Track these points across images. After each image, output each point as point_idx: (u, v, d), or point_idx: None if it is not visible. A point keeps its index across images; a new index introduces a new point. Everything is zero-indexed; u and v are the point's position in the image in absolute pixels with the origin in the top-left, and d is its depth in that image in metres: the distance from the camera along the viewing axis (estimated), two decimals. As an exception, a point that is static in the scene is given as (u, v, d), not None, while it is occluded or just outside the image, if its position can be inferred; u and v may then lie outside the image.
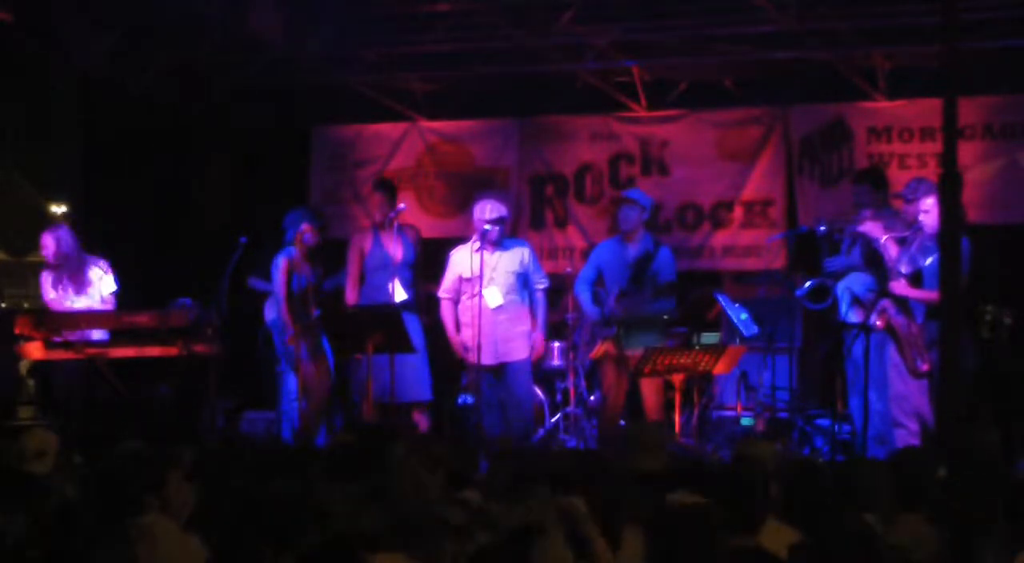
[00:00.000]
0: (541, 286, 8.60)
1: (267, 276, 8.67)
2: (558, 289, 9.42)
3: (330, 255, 9.01)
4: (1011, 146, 9.54)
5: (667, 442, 6.05)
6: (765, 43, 9.36)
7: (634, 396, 8.55)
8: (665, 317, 8.63)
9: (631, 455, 5.31)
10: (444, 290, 8.63)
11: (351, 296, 8.63)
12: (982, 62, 8.86)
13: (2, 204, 10.07)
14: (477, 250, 8.45)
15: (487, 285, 8.40)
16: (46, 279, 8.58)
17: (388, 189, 8.92)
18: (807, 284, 8.27)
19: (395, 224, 8.61)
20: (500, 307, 8.41)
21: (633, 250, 8.49)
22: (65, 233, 8.64)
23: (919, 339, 7.52)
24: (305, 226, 8.48)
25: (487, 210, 8.47)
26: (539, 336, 8.55)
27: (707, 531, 3.52)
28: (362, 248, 8.65)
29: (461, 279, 8.52)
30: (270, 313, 8.95)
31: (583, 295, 8.59)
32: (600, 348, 8.43)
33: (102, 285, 8.60)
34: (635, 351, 8.24)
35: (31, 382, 8.58)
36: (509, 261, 8.50)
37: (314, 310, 8.42)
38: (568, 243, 10.69)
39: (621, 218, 8.60)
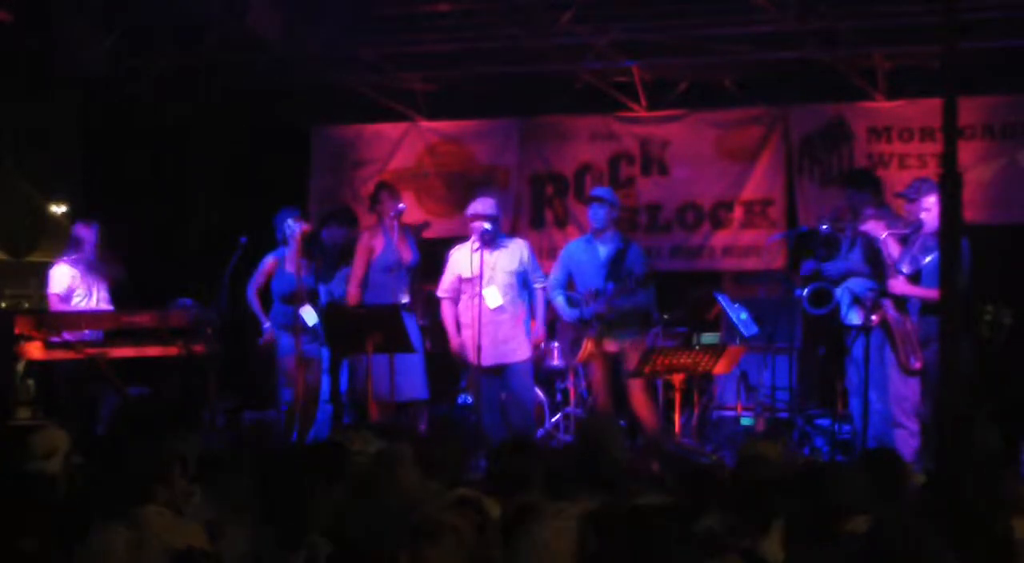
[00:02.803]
0: (540, 285, 8.60)
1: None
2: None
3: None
4: (1011, 146, 9.54)
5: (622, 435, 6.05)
6: (765, 43, 9.36)
7: (624, 393, 8.58)
8: (647, 312, 8.65)
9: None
10: (443, 290, 8.64)
11: (354, 293, 8.61)
12: (982, 62, 8.86)
13: (2, 204, 10.07)
14: (476, 250, 8.45)
15: (486, 285, 8.40)
16: (64, 273, 8.47)
17: (392, 189, 8.95)
18: (806, 289, 8.28)
19: (396, 225, 8.60)
20: (500, 307, 8.42)
21: (605, 249, 8.50)
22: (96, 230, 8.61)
23: (913, 336, 7.53)
24: (303, 226, 8.51)
25: (478, 207, 8.50)
26: (539, 332, 8.55)
27: (676, 530, 3.51)
28: (372, 246, 8.62)
29: (460, 279, 8.52)
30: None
31: (557, 299, 8.60)
32: (585, 349, 8.44)
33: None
34: (614, 344, 8.29)
35: (30, 382, 8.56)
36: (508, 260, 8.50)
37: (311, 312, 8.43)
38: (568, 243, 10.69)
39: (591, 217, 8.61)
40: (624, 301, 8.31)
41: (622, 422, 8.56)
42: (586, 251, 8.60)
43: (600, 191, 8.82)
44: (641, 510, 3.62)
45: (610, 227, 8.58)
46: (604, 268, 8.41)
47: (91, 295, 8.51)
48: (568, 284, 8.63)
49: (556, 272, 8.71)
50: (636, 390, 8.38)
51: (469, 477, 5.07)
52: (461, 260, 8.50)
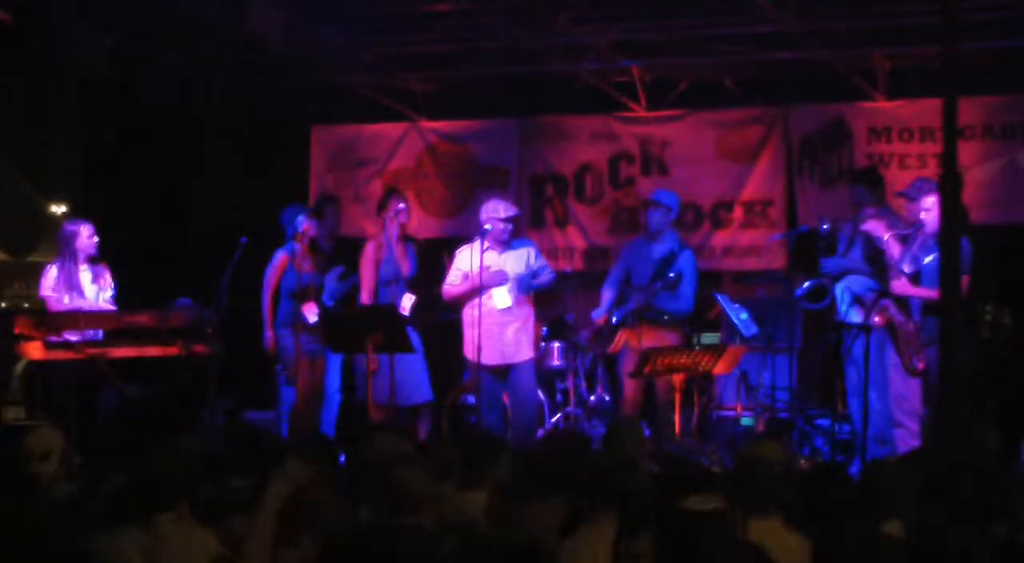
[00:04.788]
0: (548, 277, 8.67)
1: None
2: (557, 289, 9.44)
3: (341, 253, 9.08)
4: (1011, 146, 9.53)
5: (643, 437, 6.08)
6: (765, 43, 9.36)
7: (649, 391, 8.61)
8: (683, 318, 8.68)
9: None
10: (448, 284, 8.66)
11: (368, 303, 8.60)
12: (982, 62, 8.86)
13: (2, 204, 10.06)
14: (485, 249, 8.46)
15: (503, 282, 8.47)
16: (54, 275, 8.44)
17: (399, 193, 8.94)
18: (805, 285, 8.29)
19: (396, 227, 8.58)
20: (507, 308, 8.44)
21: (659, 249, 8.61)
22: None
23: (916, 337, 7.53)
24: (306, 224, 8.53)
25: (500, 209, 8.51)
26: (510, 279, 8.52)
27: (727, 536, 3.51)
28: (377, 259, 8.62)
29: (466, 277, 8.53)
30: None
31: (604, 295, 8.72)
32: (620, 340, 8.51)
33: (107, 290, 8.58)
34: (653, 339, 8.39)
35: (22, 383, 8.53)
36: (515, 262, 8.54)
37: (314, 310, 8.43)
38: (568, 243, 10.70)
39: (648, 220, 8.73)
40: (666, 304, 8.41)
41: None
42: (642, 249, 8.75)
43: (658, 195, 8.89)
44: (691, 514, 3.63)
45: (666, 229, 8.70)
46: (653, 267, 8.52)
47: (82, 296, 8.45)
48: (627, 281, 8.72)
49: (614, 268, 8.94)
50: (660, 387, 8.46)
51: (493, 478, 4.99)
52: (467, 260, 8.52)
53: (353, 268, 8.85)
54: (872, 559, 3.42)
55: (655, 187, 10.34)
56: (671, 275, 8.31)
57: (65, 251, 8.38)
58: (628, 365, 8.56)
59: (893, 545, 3.56)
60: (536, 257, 8.64)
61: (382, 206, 8.76)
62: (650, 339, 8.44)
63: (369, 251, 8.63)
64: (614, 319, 8.64)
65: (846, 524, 3.82)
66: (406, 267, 8.59)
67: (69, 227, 8.48)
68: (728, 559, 3.41)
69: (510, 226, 8.51)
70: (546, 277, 8.63)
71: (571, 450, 4.87)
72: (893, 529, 3.96)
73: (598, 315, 8.72)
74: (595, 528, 3.95)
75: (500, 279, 8.44)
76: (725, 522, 3.60)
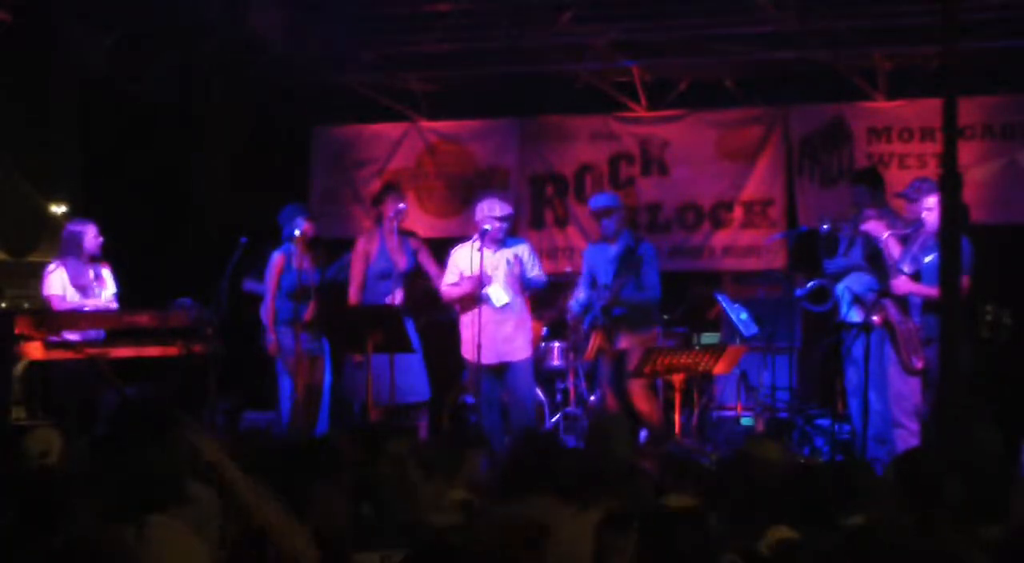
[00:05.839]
0: (535, 273, 8.65)
1: (262, 277, 8.77)
2: (557, 288, 9.44)
3: (332, 252, 9.08)
4: (1011, 146, 9.54)
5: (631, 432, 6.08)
6: (765, 43, 9.37)
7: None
8: (656, 308, 8.66)
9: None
10: (446, 284, 8.65)
11: (355, 298, 8.61)
12: (982, 62, 8.86)
13: (2, 204, 10.06)
14: (478, 249, 8.46)
15: (491, 284, 8.45)
16: (58, 275, 8.44)
17: (398, 190, 8.94)
18: (808, 285, 8.29)
19: (395, 226, 8.58)
20: (504, 305, 8.44)
21: (615, 248, 8.57)
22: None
23: (915, 336, 7.52)
24: (305, 224, 8.54)
25: (496, 208, 8.51)
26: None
27: (701, 535, 3.50)
28: (368, 252, 8.62)
29: (463, 277, 8.53)
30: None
31: (579, 295, 8.70)
32: (593, 345, 8.49)
33: (107, 289, 8.58)
34: (624, 340, 8.31)
35: (22, 383, 8.52)
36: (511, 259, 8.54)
37: (316, 307, 8.45)
38: (568, 243, 10.70)
39: (605, 230, 8.65)
40: (633, 296, 8.37)
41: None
42: (601, 251, 8.70)
43: (600, 204, 8.74)
44: (666, 512, 3.62)
45: (621, 229, 8.64)
46: (614, 265, 8.50)
47: (87, 295, 8.46)
48: (594, 285, 8.70)
49: (583, 272, 8.85)
50: (637, 387, 8.41)
51: (475, 477, 5.01)
52: (464, 258, 8.52)
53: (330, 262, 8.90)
54: (851, 557, 3.42)
55: (655, 187, 10.38)
56: (629, 269, 8.30)
57: (71, 251, 8.39)
58: (603, 371, 8.56)
59: (870, 542, 3.56)
60: (530, 255, 8.63)
61: (378, 200, 8.76)
62: (624, 342, 8.43)
63: (360, 245, 8.63)
64: (584, 325, 8.62)
65: (824, 521, 3.83)
66: (402, 262, 8.58)
67: (75, 227, 8.49)
68: (702, 559, 3.41)
69: (505, 224, 8.51)
70: (538, 279, 8.62)
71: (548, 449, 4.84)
72: (871, 526, 3.96)
73: (577, 306, 8.67)
74: (580, 523, 3.95)
75: (486, 282, 8.43)
76: (701, 520, 3.60)
